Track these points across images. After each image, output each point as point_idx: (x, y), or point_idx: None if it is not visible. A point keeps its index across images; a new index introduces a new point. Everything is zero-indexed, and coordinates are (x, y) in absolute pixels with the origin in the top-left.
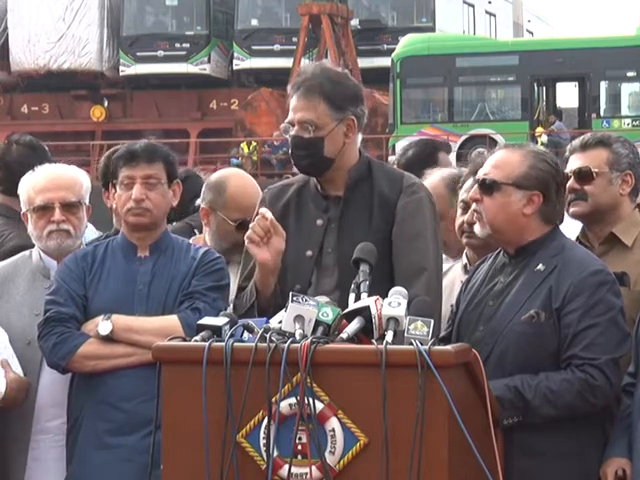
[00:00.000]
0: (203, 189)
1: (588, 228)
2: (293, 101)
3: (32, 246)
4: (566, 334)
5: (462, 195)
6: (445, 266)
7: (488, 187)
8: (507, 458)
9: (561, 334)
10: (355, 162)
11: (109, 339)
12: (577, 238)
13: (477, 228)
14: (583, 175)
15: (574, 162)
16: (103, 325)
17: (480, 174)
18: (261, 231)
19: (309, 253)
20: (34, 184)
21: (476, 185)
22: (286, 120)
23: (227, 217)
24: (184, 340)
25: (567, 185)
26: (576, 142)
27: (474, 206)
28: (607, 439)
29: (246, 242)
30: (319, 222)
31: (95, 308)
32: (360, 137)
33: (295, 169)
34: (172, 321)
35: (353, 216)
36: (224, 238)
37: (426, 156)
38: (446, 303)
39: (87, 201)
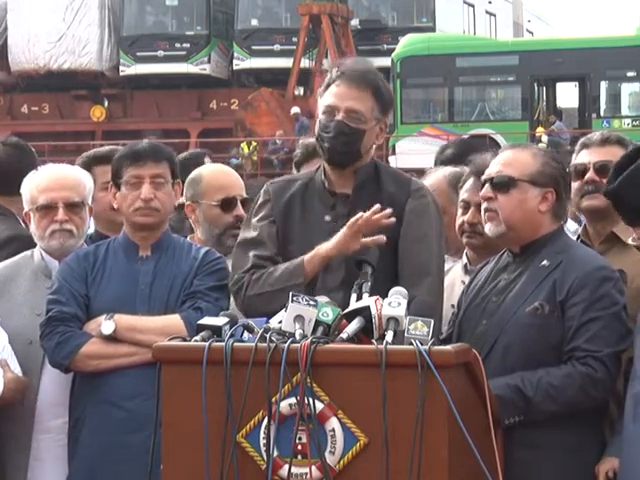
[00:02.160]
0: (184, 190)
1: (592, 225)
2: (341, 88)
3: (26, 237)
4: (569, 326)
5: (463, 195)
6: (445, 266)
7: (504, 184)
8: (507, 451)
9: (564, 327)
10: (364, 164)
11: (112, 338)
12: (578, 236)
13: (489, 227)
14: (606, 169)
15: (590, 155)
16: (106, 324)
17: (490, 173)
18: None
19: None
20: (37, 183)
21: (487, 184)
22: (326, 103)
23: (210, 201)
24: (184, 340)
25: (585, 177)
26: (594, 137)
27: (485, 205)
28: (604, 436)
29: (354, 228)
30: (327, 218)
31: (97, 308)
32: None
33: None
34: (175, 321)
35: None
36: (214, 223)
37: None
38: (445, 303)
39: (90, 201)
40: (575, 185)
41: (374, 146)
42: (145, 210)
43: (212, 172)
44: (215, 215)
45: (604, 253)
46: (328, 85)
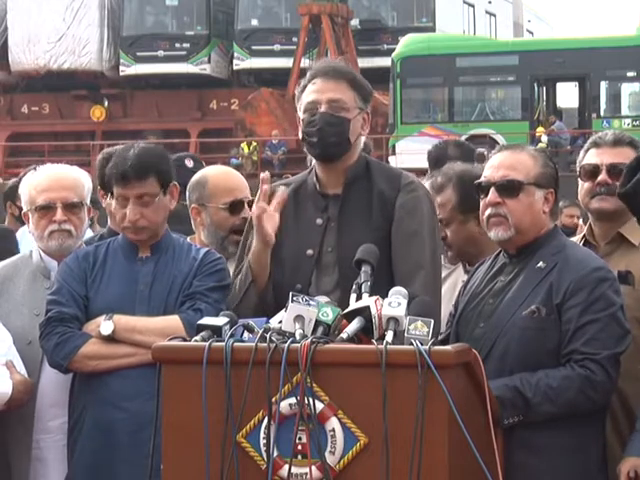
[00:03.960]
0: (187, 193)
1: (599, 226)
2: (317, 84)
3: None
4: (567, 329)
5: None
6: (444, 271)
7: (512, 189)
8: (507, 454)
9: (562, 330)
10: (354, 161)
11: (111, 339)
12: (583, 236)
13: (496, 232)
14: (618, 170)
15: (602, 156)
16: (105, 325)
17: (493, 177)
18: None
19: (309, 252)
20: (36, 184)
21: (492, 189)
22: (307, 101)
23: (218, 204)
24: (184, 340)
25: (598, 179)
26: (607, 136)
27: (492, 210)
28: (605, 436)
29: (255, 216)
30: (319, 221)
31: (96, 308)
32: (363, 139)
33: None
34: (174, 321)
35: (352, 214)
36: (220, 226)
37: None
38: (449, 305)
39: (88, 202)
40: (585, 185)
41: (362, 139)
42: (133, 229)
43: (218, 174)
44: (223, 218)
45: (610, 254)
46: (304, 87)
